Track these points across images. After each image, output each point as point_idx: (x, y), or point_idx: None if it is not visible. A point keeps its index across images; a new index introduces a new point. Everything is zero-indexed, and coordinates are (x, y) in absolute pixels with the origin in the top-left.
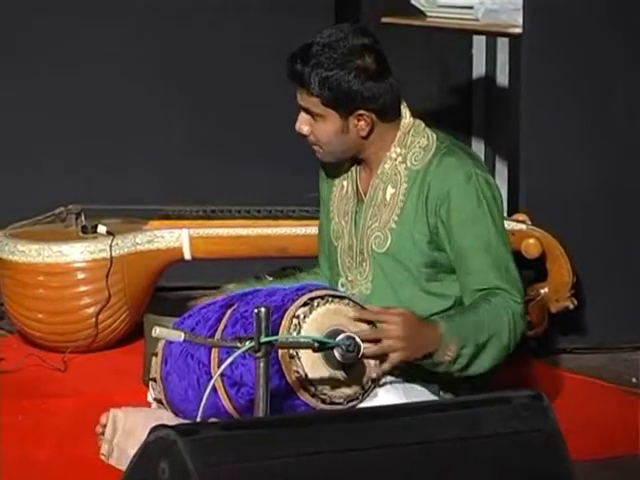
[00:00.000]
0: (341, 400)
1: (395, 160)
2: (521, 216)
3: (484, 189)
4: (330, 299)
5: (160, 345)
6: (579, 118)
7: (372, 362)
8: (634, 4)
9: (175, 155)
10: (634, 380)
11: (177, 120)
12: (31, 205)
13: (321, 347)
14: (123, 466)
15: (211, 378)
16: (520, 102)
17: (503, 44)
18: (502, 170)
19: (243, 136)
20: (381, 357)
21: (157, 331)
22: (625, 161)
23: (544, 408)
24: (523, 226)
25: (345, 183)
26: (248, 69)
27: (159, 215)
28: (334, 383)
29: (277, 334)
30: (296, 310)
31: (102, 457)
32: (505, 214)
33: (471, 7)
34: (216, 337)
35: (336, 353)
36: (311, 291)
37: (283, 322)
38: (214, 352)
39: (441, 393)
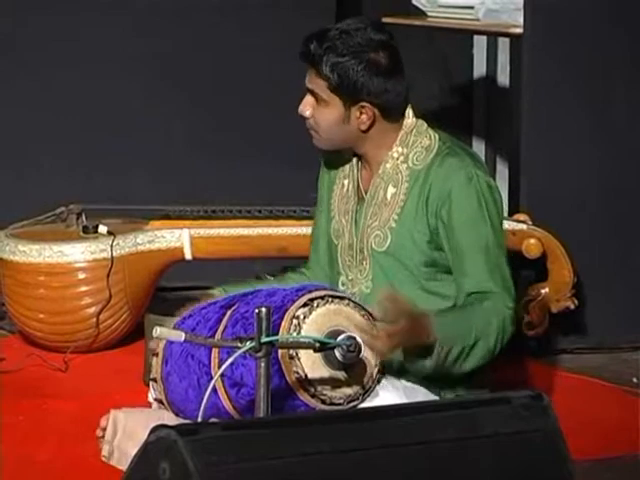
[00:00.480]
0: (341, 401)
1: (397, 159)
2: (522, 216)
3: (485, 191)
4: (330, 299)
5: (161, 345)
6: (580, 118)
7: (372, 362)
8: (634, 4)
9: (176, 155)
10: (634, 380)
11: (177, 120)
12: (32, 205)
13: (322, 347)
14: (124, 467)
15: (211, 378)
16: (521, 102)
17: (504, 44)
18: (503, 170)
19: (243, 136)
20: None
21: (158, 331)
22: (626, 161)
23: (544, 408)
24: (524, 226)
25: (346, 182)
26: (248, 69)
27: (160, 215)
28: (334, 383)
29: (277, 334)
30: (296, 311)
31: (103, 459)
32: (506, 214)
33: (472, 7)
34: (216, 337)
35: (337, 353)
36: (311, 292)
37: (283, 323)
38: (214, 352)
39: (441, 393)
